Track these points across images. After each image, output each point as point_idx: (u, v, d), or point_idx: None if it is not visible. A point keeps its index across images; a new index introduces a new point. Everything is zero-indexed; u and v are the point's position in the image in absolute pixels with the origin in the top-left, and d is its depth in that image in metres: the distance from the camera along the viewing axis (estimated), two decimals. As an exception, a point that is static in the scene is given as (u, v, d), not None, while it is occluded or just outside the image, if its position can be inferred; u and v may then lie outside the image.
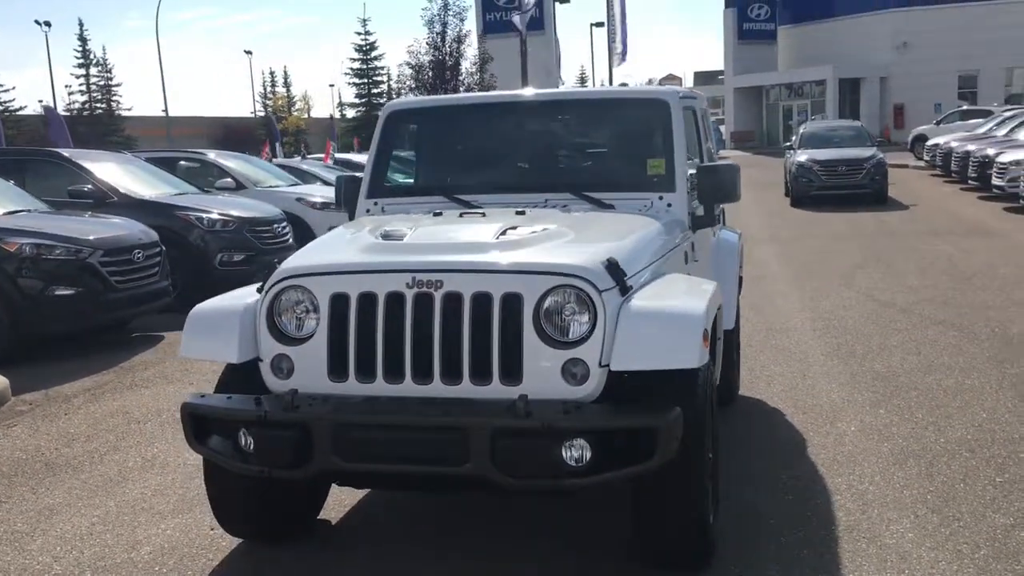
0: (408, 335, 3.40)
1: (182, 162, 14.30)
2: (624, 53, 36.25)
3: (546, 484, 3.25)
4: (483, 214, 4.18)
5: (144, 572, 3.91)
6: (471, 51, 24.84)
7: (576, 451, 3.18)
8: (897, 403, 5.85)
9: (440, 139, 5.03)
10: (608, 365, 3.30)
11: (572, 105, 4.89)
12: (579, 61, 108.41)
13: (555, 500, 4.22)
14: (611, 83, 38.24)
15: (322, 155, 20.37)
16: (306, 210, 13.24)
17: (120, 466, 5.29)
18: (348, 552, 4.06)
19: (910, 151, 33.01)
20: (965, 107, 36.67)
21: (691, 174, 4.64)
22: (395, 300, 3.41)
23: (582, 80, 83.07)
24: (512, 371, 3.33)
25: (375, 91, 46.53)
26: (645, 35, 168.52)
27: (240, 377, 3.75)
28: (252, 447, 3.44)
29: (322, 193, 14.17)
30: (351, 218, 5.11)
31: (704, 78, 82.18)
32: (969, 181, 21.07)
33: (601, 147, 4.88)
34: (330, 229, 4.74)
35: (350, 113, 56.18)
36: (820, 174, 19.82)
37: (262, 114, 73.39)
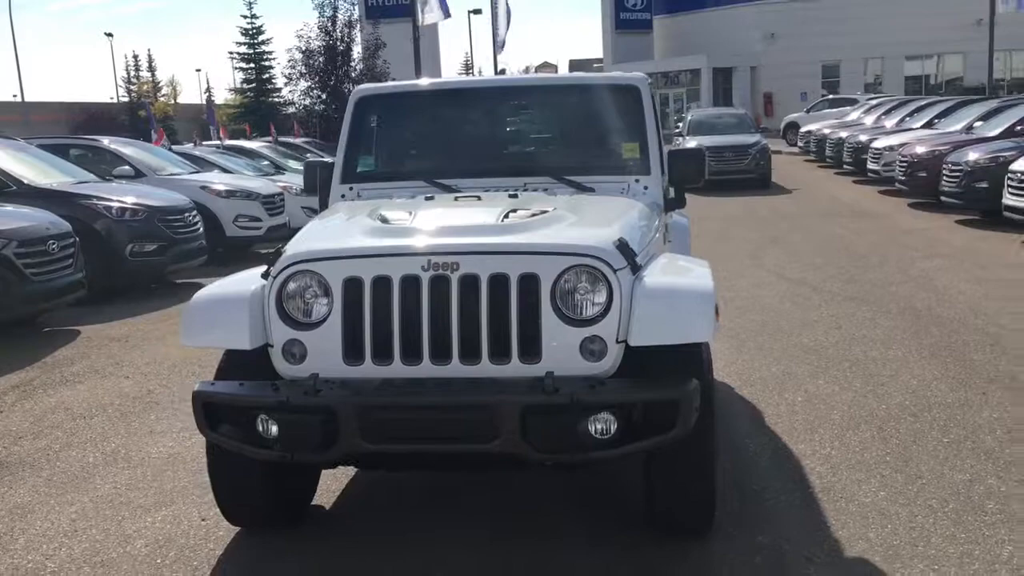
0: (425, 317, 3.45)
1: (73, 150, 13.71)
2: (503, 41, 36.40)
3: (573, 457, 3.37)
4: (478, 197, 4.25)
5: (145, 565, 3.84)
6: (363, 36, 24.50)
7: (602, 424, 3.30)
8: (834, 374, 6.21)
9: (413, 124, 5.05)
10: (624, 341, 3.44)
11: (545, 90, 5.00)
12: (461, 48, 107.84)
13: (559, 473, 4.35)
14: (495, 71, 38.41)
15: (215, 142, 19.80)
16: (211, 198, 12.88)
17: (81, 463, 5.13)
18: (347, 537, 4.08)
19: (782, 138, 34.42)
20: (832, 96, 38.46)
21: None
22: (410, 283, 3.45)
23: (467, 68, 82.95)
24: (531, 349, 3.42)
25: (263, 76, 45.38)
26: (523, 22, 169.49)
27: (239, 364, 3.74)
28: (275, 432, 3.43)
29: (224, 181, 13.84)
30: (322, 204, 5.09)
31: (579, 66, 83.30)
32: (844, 166, 22.17)
33: (575, 131, 5.01)
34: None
35: (237, 99, 54.42)
36: (709, 160, 20.47)
37: (125, 99, 70.45)
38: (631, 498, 4.08)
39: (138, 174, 12.90)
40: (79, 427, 5.77)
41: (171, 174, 13.51)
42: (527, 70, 53.42)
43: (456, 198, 4.26)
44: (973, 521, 3.89)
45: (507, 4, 35.10)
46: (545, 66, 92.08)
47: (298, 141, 21.35)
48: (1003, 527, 3.82)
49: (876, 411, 5.39)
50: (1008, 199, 11.84)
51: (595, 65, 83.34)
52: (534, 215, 3.83)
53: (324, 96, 24.99)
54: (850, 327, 7.52)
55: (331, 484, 4.56)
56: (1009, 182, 11.85)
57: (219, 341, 3.73)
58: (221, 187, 13.28)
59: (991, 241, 11.86)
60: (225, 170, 15.27)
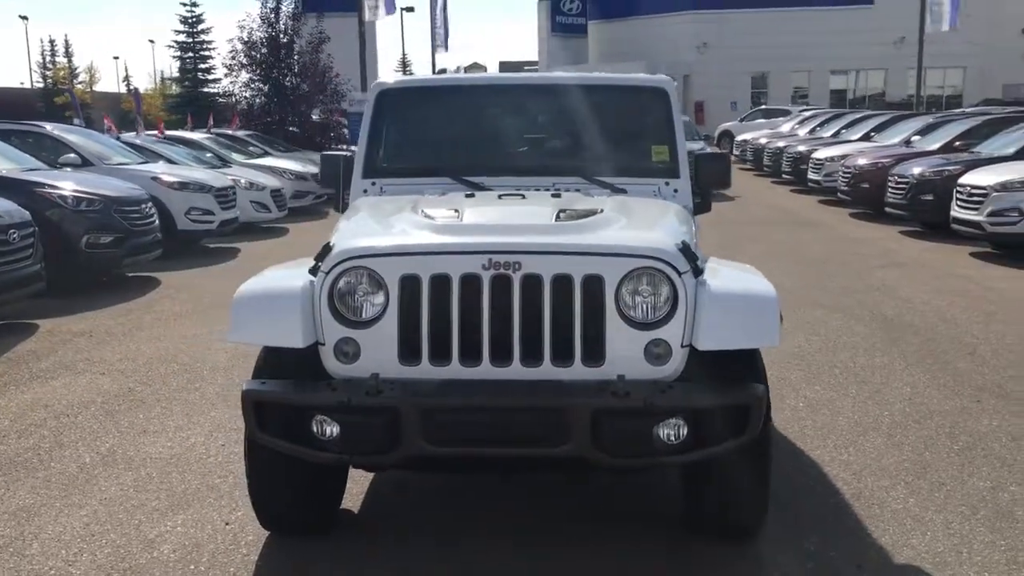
0: (486, 317, 3.36)
1: (13, 137, 13.12)
2: (446, 41, 36.25)
3: (643, 462, 3.33)
4: (523, 196, 4.17)
5: (179, 571, 3.67)
6: (307, 29, 24.05)
7: (672, 429, 3.27)
8: (827, 380, 6.30)
9: (437, 119, 4.93)
10: (689, 345, 3.41)
11: (573, 89, 4.93)
12: (394, 46, 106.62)
13: (577, 480, 4.31)
14: (433, 71, 38.21)
15: (151, 132, 19.21)
16: (162, 190, 12.46)
17: (77, 463, 4.89)
18: (380, 539, 3.97)
19: (716, 146, 34.97)
20: (765, 106, 39.25)
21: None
22: (471, 282, 3.37)
23: (404, 66, 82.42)
24: (595, 352, 3.36)
25: (202, 66, 44.25)
26: (457, 23, 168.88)
27: (278, 363, 3.61)
28: (333, 434, 3.31)
29: (175, 172, 13.43)
30: (340, 198, 4.95)
31: (510, 68, 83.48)
32: (782, 176, 22.64)
33: (603, 132, 4.97)
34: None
35: (161, 88, 53.02)
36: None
37: (40, 85, 67.99)
38: (653, 499, 4.06)
39: (85, 162, 12.43)
40: (64, 426, 5.51)
41: (119, 163, 13.04)
42: (457, 70, 52.95)
43: (500, 196, 4.17)
44: (1008, 528, 3.97)
45: (445, 2, 35.00)
46: (475, 67, 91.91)
47: (240, 134, 20.87)
48: (1039, 534, 3.91)
49: (880, 418, 5.48)
50: (956, 212, 12.21)
51: (526, 68, 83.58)
52: (587, 215, 3.77)
53: (266, 88, 24.46)
54: (828, 334, 7.64)
55: (353, 487, 4.43)
56: (958, 195, 12.21)
57: (270, 338, 3.57)
58: (173, 179, 12.88)
59: (941, 252, 12.21)
60: (171, 161, 14.82)
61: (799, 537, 3.89)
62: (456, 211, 3.82)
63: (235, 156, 17.99)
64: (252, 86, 24.57)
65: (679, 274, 3.40)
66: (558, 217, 3.73)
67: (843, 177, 16.87)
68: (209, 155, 17.09)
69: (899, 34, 42.57)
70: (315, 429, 3.35)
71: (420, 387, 3.32)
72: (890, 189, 14.72)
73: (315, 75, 24.12)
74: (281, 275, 3.81)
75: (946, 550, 3.78)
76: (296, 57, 24.12)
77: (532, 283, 3.36)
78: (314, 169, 19.13)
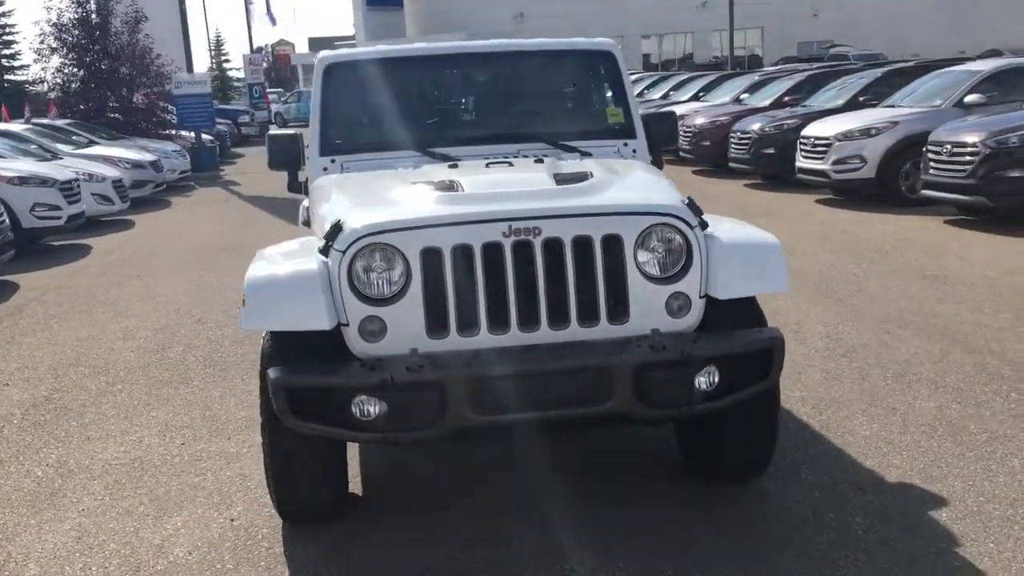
0: (511, 284, 3.39)
1: None
2: (271, 17, 35.13)
3: (681, 412, 3.46)
4: (510, 163, 4.18)
5: (207, 572, 3.53)
6: (120, 8, 22.59)
7: (707, 377, 3.42)
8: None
9: (391, 92, 4.82)
10: (705, 296, 3.56)
11: (525, 56, 4.95)
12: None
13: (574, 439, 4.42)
14: (251, 49, 36.96)
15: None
16: (1, 187, 11.56)
17: (30, 477, 4.58)
18: (398, 523, 3.88)
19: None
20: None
21: None
22: (493, 250, 3.38)
23: (217, 46, 78.86)
24: (619, 310, 3.45)
25: (6, 52, 40.66)
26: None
27: (287, 347, 3.51)
28: (376, 412, 3.27)
29: (12, 167, 12.46)
30: (293, 179, 4.79)
31: (320, 44, 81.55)
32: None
33: (559, 97, 5.02)
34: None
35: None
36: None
37: None
38: (646, 452, 4.23)
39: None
40: (-7, 441, 5.11)
41: (-54, 162, 12.00)
42: (259, 50, 50.60)
43: (488, 164, 4.17)
44: (969, 440, 4.37)
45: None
46: (282, 44, 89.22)
47: (61, 123, 19.53)
48: (998, 443, 4.32)
49: (809, 355, 5.85)
50: (801, 162, 13.01)
51: (336, 44, 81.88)
52: (582, 179, 3.82)
53: (80, 73, 22.90)
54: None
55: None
56: (802, 146, 13.01)
57: (293, 322, 3.43)
58: (11, 174, 11.96)
59: (790, 201, 12.99)
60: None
61: (794, 471, 4.14)
62: (454, 182, 3.80)
63: (61, 147, 16.85)
64: (65, 71, 22.97)
65: (691, 228, 3.53)
66: (557, 182, 3.78)
67: (684, 136, 17.55)
68: (34, 147, 15.92)
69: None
70: (355, 410, 3.30)
71: (465, 358, 3.32)
72: (732, 145, 15.49)
73: (134, 57, 22.78)
74: (286, 255, 3.69)
75: (926, 466, 4.12)
76: (112, 38, 22.69)
77: (553, 247, 3.41)
78: (151, 157, 18.22)
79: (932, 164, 10.50)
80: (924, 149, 10.70)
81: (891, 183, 11.97)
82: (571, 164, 4.19)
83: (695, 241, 3.52)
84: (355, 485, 4.20)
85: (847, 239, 9.80)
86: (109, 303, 8.68)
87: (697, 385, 3.41)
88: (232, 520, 3.95)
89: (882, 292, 7.35)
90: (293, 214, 5.95)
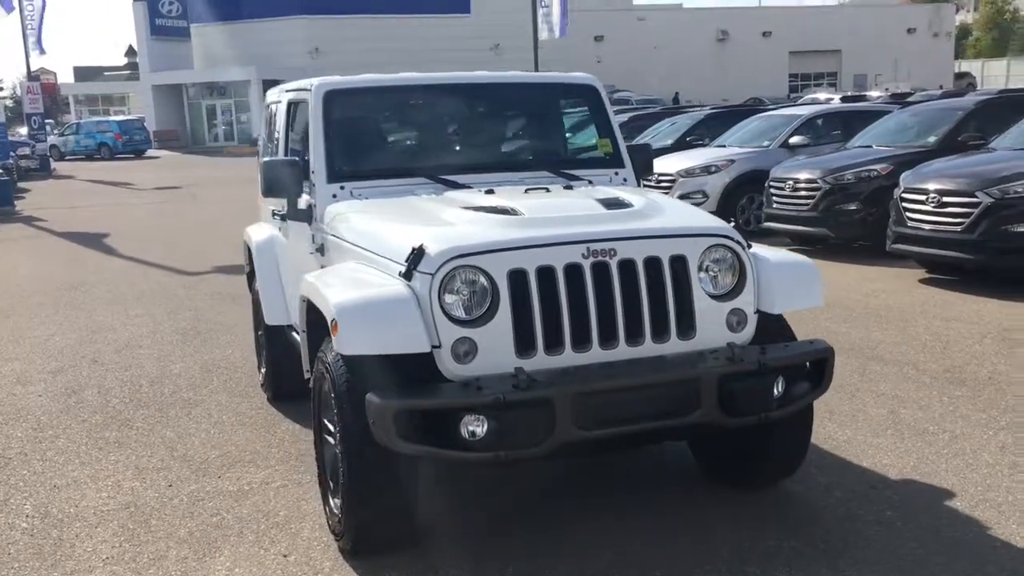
0: (592, 303, 3.55)
1: None
2: (40, 44, 32.91)
3: (756, 419, 3.68)
4: (547, 190, 4.31)
5: (293, 610, 3.39)
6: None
7: (778, 387, 3.69)
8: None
9: (397, 120, 4.82)
10: (758, 311, 3.83)
11: (518, 88, 5.08)
12: None
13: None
14: (27, 76, 34.48)
15: None
16: None
17: (15, 529, 4.19)
18: (434, 539, 3.88)
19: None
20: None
21: None
22: (574, 271, 3.53)
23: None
24: (687, 326, 3.68)
25: None
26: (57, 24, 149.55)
27: (378, 372, 3.48)
28: (483, 432, 3.30)
29: None
30: (292, 206, 4.67)
31: (86, 73, 77.03)
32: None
33: (554, 127, 5.17)
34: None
35: None
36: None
37: None
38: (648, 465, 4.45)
39: None
40: (-62, 496, 4.60)
41: None
42: (37, 77, 46.60)
43: (526, 191, 4.28)
44: (937, 441, 4.88)
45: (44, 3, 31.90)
46: (43, 72, 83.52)
47: None
48: (962, 442, 4.86)
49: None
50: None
51: (105, 73, 77.64)
52: (627, 205, 4.02)
53: None
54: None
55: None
56: (646, 184, 13.78)
57: (392, 346, 3.40)
58: None
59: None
60: None
61: (803, 472, 4.47)
62: (511, 207, 3.90)
63: None
64: None
65: (744, 248, 3.82)
66: (604, 207, 3.97)
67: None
68: None
69: (495, 41, 46.07)
70: (463, 431, 3.31)
71: (571, 375, 3.43)
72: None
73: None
74: (370, 282, 3.65)
75: (915, 464, 4.57)
76: None
77: (627, 267, 3.59)
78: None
79: (775, 199, 11.46)
80: (766, 184, 11.65)
81: (730, 216, 12.90)
82: (600, 191, 4.39)
83: (747, 260, 3.80)
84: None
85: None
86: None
87: (774, 394, 3.67)
88: (286, 556, 3.80)
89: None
90: (123, 248, 5.70)
